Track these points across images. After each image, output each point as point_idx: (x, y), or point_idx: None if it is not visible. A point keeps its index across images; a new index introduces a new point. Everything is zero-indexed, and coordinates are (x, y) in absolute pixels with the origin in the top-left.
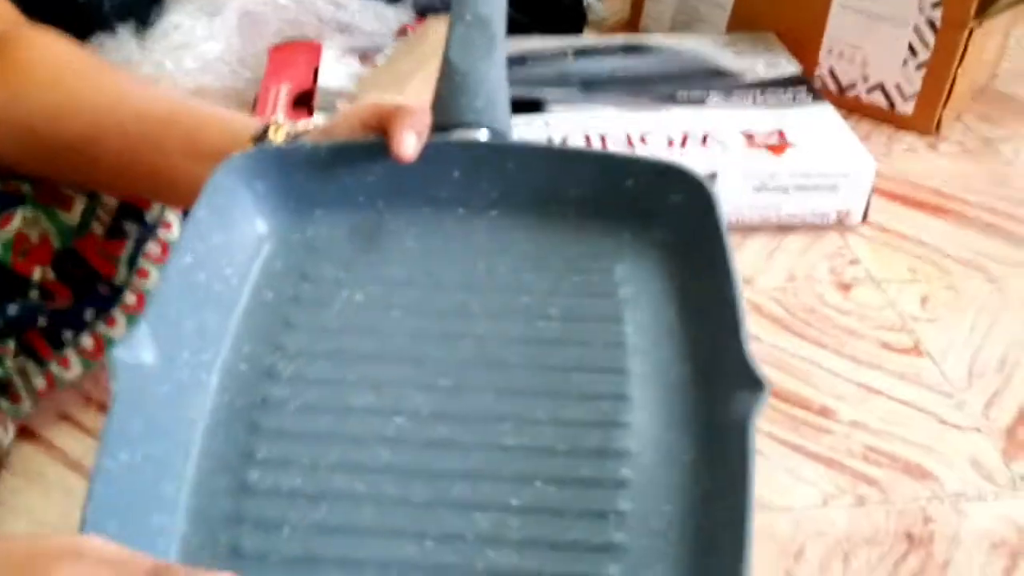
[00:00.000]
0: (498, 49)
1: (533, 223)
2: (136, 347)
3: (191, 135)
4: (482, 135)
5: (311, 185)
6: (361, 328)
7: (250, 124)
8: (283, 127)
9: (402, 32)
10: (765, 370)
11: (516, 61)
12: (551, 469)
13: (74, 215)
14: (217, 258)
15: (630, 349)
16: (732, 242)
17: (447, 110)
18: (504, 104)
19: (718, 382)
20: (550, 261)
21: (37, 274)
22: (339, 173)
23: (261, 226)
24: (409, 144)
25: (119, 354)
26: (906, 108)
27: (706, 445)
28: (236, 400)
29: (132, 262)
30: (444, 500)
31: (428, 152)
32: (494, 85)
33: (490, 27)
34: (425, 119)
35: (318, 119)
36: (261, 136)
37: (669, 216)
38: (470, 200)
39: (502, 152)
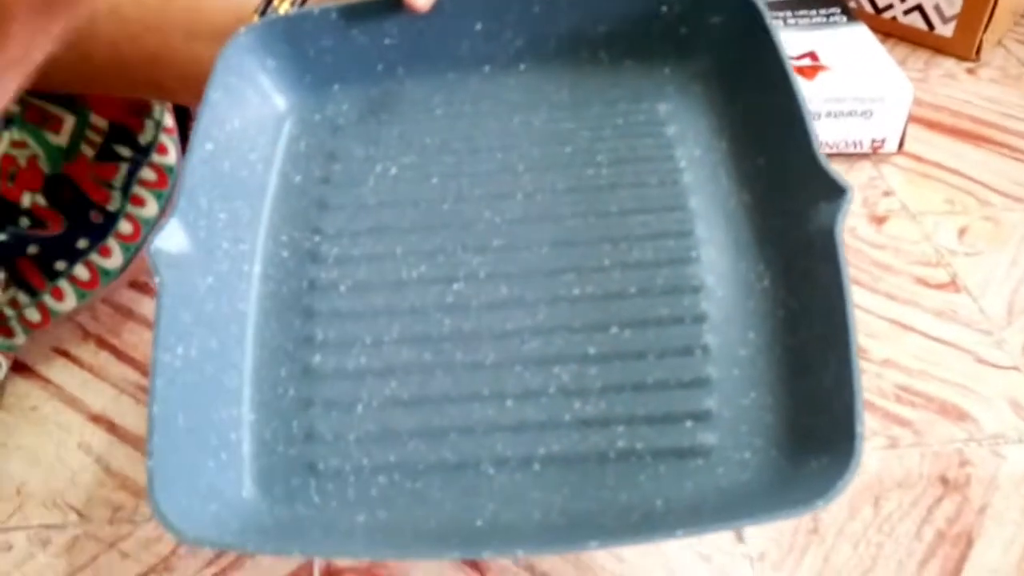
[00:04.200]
0: None
1: (565, 72)
2: (172, 238)
3: (192, 13)
4: None
5: (325, 56)
6: (401, 200)
7: None
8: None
9: None
10: None
11: None
12: (625, 313)
13: (63, 137)
14: (239, 143)
15: (686, 186)
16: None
17: None
18: None
19: (791, 199)
20: (589, 108)
21: (27, 200)
22: (353, 38)
23: (279, 103)
24: None
25: (158, 244)
26: (945, 31)
27: (784, 267)
28: (282, 288)
29: (126, 188)
30: (518, 359)
31: (446, 3)
32: None
33: None
34: None
35: None
36: (264, 8)
37: (711, 41)
38: (495, 55)
39: None
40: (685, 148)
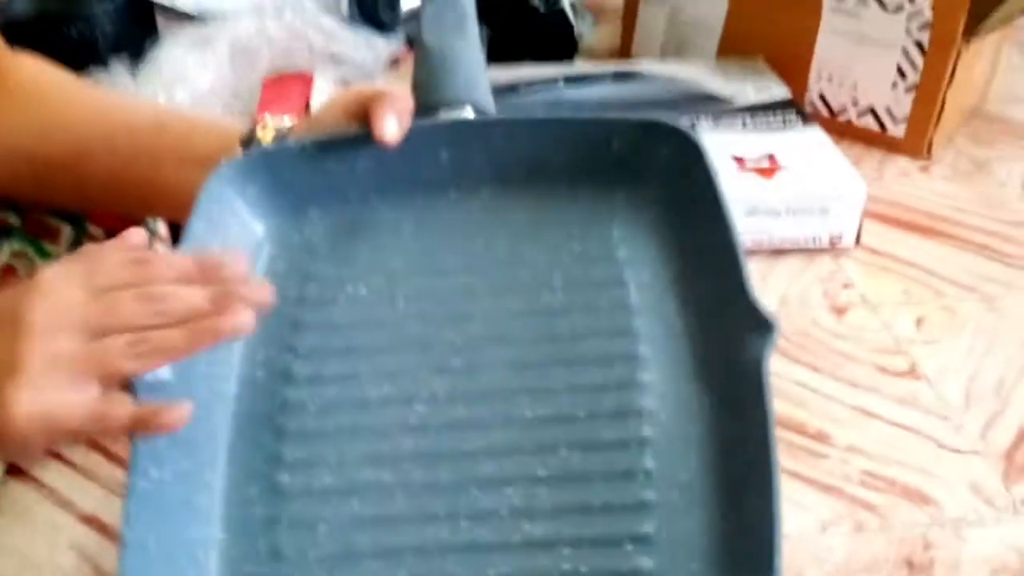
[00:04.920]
0: (471, 26)
1: (526, 196)
2: None
3: (182, 142)
4: (467, 113)
5: (302, 184)
6: (369, 321)
7: (238, 127)
8: (271, 127)
9: (393, 63)
10: None
11: (507, 89)
12: (573, 436)
13: (61, 247)
14: None
15: (635, 309)
16: (724, 191)
17: (428, 91)
18: (484, 82)
19: (726, 329)
20: (547, 232)
21: None
22: (328, 168)
23: (258, 230)
24: (391, 127)
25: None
26: (897, 131)
27: (722, 394)
28: (256, 407)
29: None
30: (472, 479)
31: (414, 135)
32: (471, 62)
33: (460, 4)
34: (406, 102)
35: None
36: (249, 137)
37: (659, 172)
38: (461, 181)
39: (487, 127)
40: (635, 271)
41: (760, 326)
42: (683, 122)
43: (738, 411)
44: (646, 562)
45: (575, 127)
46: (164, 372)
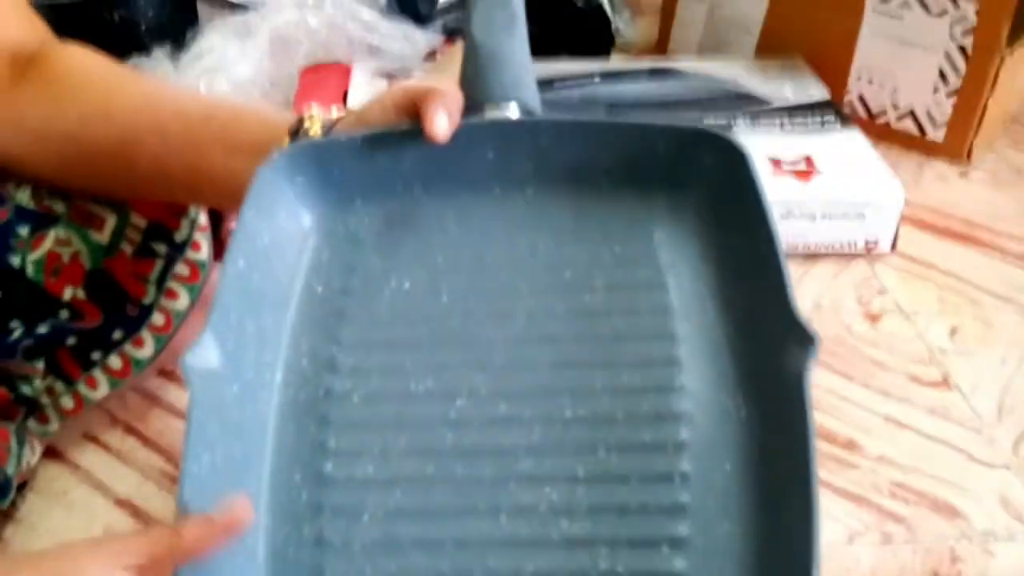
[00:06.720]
0: (520, 25)
1: (569, 197)
2: (203, 353)
3: (229, 130)
4: (512, 111)
5: (349, 175)
6: (413, 315)
7: (285, 117)
8: (317, 118)
9: (431, 55)
10: None
11: (543, 84)
12: (612, 437)
13: (104, 235)
14: (267, 258)
15: (675, 313)
16: (768, 201)
17: (475, 88)
18: (530, 81)
19: (766, 338)
20: (589, 233)
21: (68, 293)
22: (376, 161)
23: (305, 220)
24: (442, 124)
25: (189, 361)
26: (937, 135)
27: (759, 401)
28: (300, 395)
29: (161, 282)
30: (512, 476)
31: (461, 133)
32: (519, 61)
33: (510, 3)
34: (457, 99)
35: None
36: (297, 129)
37: (702, 179)
38: (505, 179)
39: (534, 128)
40: (675, 275)
41: (800, 338)
42: (720, 122)
43: (777, 422)
44: (681, 564)
45: (621, 131)
46: (213, 359)
